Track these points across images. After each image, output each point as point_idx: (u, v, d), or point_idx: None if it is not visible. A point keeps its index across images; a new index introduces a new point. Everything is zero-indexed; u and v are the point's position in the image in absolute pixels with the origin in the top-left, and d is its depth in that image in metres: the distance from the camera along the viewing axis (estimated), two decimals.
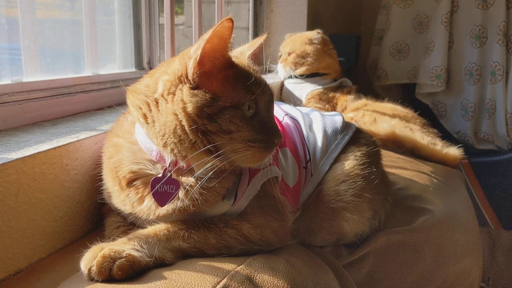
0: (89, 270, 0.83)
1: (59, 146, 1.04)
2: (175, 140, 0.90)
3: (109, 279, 0.83)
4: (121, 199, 0.98)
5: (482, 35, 2.98)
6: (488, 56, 2.95)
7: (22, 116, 1.20)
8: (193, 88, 0.90)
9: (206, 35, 0.88)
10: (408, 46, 3.24)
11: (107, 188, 1.03)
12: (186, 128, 0.89)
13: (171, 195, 0.92)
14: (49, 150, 1.01)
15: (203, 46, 0.89)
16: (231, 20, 0.87)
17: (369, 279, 1.24)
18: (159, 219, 0.94)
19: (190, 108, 0.89)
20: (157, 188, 0.93)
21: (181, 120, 0.90)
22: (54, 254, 1.05)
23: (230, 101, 0.90)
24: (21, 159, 0.94)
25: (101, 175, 1.06)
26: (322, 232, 1.17)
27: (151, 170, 0.96)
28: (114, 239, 0.92)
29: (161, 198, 0.93)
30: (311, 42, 2.41)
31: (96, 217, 1.16)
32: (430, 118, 2.49)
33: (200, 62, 0.90)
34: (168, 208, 0.93)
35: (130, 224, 1.00)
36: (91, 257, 0.84)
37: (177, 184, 0.93)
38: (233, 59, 0.96)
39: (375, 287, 1.25)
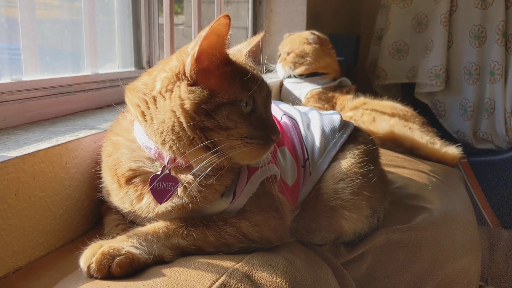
0: (88, 267, 0.83)
1: (58, 145, 1.04)
2: (173, 137, 0.91)
3: (108, 276, 0.83)
4: (120, 197, 0.99)
5: (481, 35, 2.99)
6: (487, 55, 2.96)
7: (22, 115, 1.20)
8: (190, 85, 0.91)
9: (203, 32, 0.89)
10: (407, 46, 3.25)
11: (106, 186, 1.04)
12: (184, 124, 0.90)
13: (169, 192, 0.93)
14: (48, 148, 1.01)
15: (200, 43, 0.89)
16: (228, 16, 0.88)
17: (368, 277, 1.24)
18: (158, 216, 0.95)
19: (187, 104, 0.89)
20: (156, 185, 0.93)
21: (179, 117, 0.90)
22: (54, 252, 1.05)
23: (228, 98, 0.91)
24: (20, 157, 0.94)
25: (101, 173, 1.06)
26: (321, 230, 1.17)
27: (150, 168, 0.97)
28: (113, 237, 0.92)
29: (159, 195, 0.93)
30: (309, 42, 2.42)
31: (96, 215, 1.17)
32: (429, 117, 2.49)
33: (198, 59, 0.91)
34: (166, 205, 0.94)
35: (129, 222, 1.01)
36: (91, 254, 0.84)
37: (175, 181, 0.93)
38: (231, 56, 0.97)
39: (374, 285, 1.25)
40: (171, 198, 0.93)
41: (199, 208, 0.95)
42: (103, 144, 1.06)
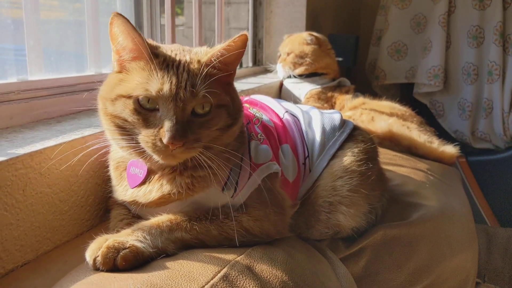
0: (94, 260, 0.86)
1: (64, 142, 1.07)
2: None
3: (113, 269, 0.85)
4: (120, 190, 1.03)
5: (479, 35, 3.01)
6: (485, 56, 2.99)
7: (28, 113, 1.23)
8: None
9: None
10: (406, 46, 3.28)
11: (112, 181, 1.08)
12: None
13: (140, 179, 1.00)
14: (55, 146, 1.04)
15: None
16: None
17: (366, 272, 1.27)
18: (157, 204, 0.98)
19: None
20: (131, 170, 1.01)
21: None
22: (60, 246, 1.08)
23: None
24: (28, 154, 0.97)
25: (105, 171, 1.10)
26: (320, 225, 1.20)
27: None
28: (118, 231, 0.95)
29: (132, 180, 1.00)
30: (308, 42, 2.45)
31: (100, 211, 1.20)
32: (428, 117, 2.52)
33: None
34: (160, 192, 0.98)
35: (133, 217, 1.04)
36: (96, 248, 0.87)
37: (143, 168, 1.00)
38: None
39: (372, 280, 1.28)
40: (141, 183, 0.99)
41: (195, 200, 0.98)
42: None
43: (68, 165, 1.09)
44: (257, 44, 3.00)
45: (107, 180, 1.12)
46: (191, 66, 0.93)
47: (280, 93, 2.56)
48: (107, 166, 1.11)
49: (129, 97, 0.91)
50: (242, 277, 0.85)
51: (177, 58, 0.94)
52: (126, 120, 0.92)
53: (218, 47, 0.96)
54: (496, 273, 2.66)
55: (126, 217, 1.05)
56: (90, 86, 1.46)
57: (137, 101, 0.90)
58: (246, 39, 0.95)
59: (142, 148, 0.92)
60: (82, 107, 1.41)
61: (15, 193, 0.95)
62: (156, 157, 0.92)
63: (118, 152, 1.05)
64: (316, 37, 2.45)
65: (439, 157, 2.06)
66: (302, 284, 0.91)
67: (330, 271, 1.10)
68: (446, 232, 1.53)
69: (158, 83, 0.89)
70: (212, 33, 2.57)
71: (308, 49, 2.44)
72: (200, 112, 0.93)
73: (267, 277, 0.88)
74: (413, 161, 1.91)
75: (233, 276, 0.84)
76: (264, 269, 0.89)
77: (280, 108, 1.34)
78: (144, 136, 0.90)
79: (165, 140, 0.87)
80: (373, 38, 3.46)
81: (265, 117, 1.25)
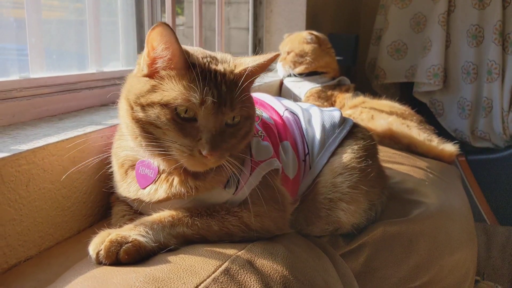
0: (97, 254, 0.87)
1: (67, 139, 1.08)
2: None
3: (116, 263, 0.86)
4: (125, 187, 1.04)
5: (479, 35, 3.02)
6: (484, 55, 3.00)
7: (30, 111, 1.24)
8: None
9: None
10: (406, 46, 3.29)
11: (115, 177, 1.08)
12: None
13: (150, 179, 1.00)
14: (57, 142, 1.05)
15: None
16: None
17: (366, 268, 1.28)
18: (161, 203, 0.99)
19: None
20: (140, 170, 1.01)
21: None
22: (62, 242, 1.09)
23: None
24: (31, 150, 0.98)
25: (108, 168, 1.11)
26: (320, 222, 1.21)
27: (142, 156, 1.02)
28: (120, 227, 0.96)
29: (142, 180, 1.01)
30: (308, 41, 2.46)
31: (102, 208, 1.21)
32: (428, 116, 2.53)
33: None
34: (166, 193, 0.98)
35: (135, 213, 1.05)
36: (99, 242, 0.88)
37: (154, 169, 1.00)
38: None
39: (371, 276, 1.29)
40: (151, 184, 1.00)
41: (199, 197, 0.99)
42: (114, 137, 1.11)
43: (71, 162, 1.10)
44: (257, 43, 3.01)
45: (109, 176, 1.13)
46: (227, 78, 0.94)
47: (280, 92, 2.57)
48: (109, 163, 1.12)
49: (167, 105, 0.91)
50: (243, 271, 0.86)
51: (212, 68, 0.95)
52: (158, 127, 0.92)
53: (251, 63, 0.97)
54: (495, 271, 2.67)
55: (128, 213, 1.06)
56: (91, 84, 1.48)
57: (175, 110, 0.91)
58: (276, 58, 0.99)
59: (171, 155, 0.93)
60: (84, 105, 1.43)
61: (19, 189, 0.96)
62: (187, 165, 0.94)
63: (123, 150, 1.06)
64: (316, 36, 2.46)
65: (438, 155, 2.07)
66: (303, 279, 0.92)
67: (330, 266, 1.10)
68: (445, 229, 1.54)
69: (200, 95, 0.90)
70: (212, 33, 2.58)
71: (308, 48, 2.45)
72: (231, 122, 0.95)
73: (267, 271, 0.89)
74: (413, 159, 1.92)
75: (234, 270, 0.85)
76: (264, 263, 0.90)
77: (280, 106, 1.35)
78: (181, 146, 0.91)
79: (205, 152, 0.89)
80: (373, 37, 3.47)
81: (265, 114, 1.26)
